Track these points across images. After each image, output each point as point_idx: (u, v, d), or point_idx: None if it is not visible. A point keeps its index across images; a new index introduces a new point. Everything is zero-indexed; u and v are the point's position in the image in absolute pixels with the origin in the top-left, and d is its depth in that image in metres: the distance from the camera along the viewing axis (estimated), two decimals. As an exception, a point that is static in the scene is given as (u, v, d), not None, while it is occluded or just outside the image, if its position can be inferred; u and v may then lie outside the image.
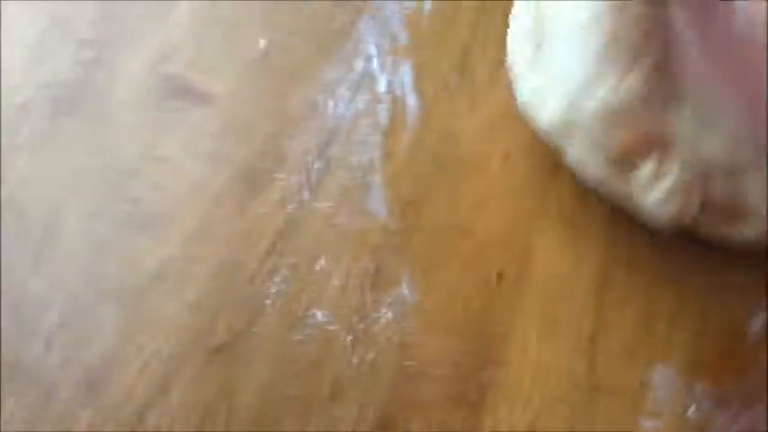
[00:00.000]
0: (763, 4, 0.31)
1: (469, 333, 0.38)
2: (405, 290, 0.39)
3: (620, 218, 0.40)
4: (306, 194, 0.41)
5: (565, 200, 0.41)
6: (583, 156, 0.35)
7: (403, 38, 0.45)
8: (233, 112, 0.43)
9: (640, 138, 0.32)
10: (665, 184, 0.32)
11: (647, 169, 0.32)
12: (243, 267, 0.39)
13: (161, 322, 0.38)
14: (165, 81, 0.44)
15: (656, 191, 0.32)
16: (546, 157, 0.42)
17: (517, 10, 0.40)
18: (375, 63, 0.45)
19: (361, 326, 0.38)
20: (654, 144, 0.32)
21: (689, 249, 0.39)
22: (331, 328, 0.38)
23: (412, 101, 0.43)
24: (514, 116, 0.43)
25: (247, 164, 0.42)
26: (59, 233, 0.40)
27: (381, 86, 0.44)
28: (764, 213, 0.31)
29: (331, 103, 0.43)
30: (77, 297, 0.38)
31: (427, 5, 0.46)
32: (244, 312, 0.38)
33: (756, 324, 0.37)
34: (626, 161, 0.33)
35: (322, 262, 0.39)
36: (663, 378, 0.36)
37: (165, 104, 0.43)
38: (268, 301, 0.38)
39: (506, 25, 0.44)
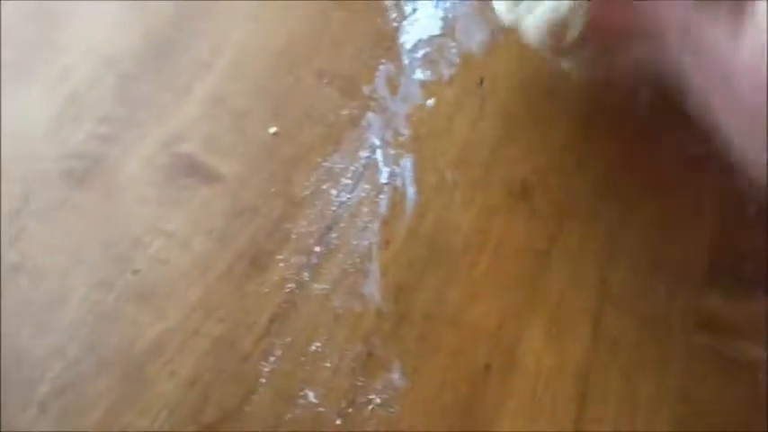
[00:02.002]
0: None
1: (456, 422, 0.39)
2: (395, 375, 0.40)
3: (605, 312, 0.41)
4: (305, 276, 0.43)
5: (552, 293, 0.43)
6: None
7: (405, 131, 0.48)
8: (240, 193, 0.45)
9: None
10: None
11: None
12: (239, 345, 0.40)
13: (154, 397, 0.38)
14: (176, 160, 0.46)
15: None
16: (535, 253, 0.44)
17: None
18: (378, 154, 0.47)
19: (351, 410, 0.39)
20: None
21: (670, 336, 0.41)
22: (321, 410, 0.39)
23: (411, 192, 0.46)
24: (507, 211, 0.45)
25: (251, 243, 0.43)
26: (64, 300, 0.41)
27: (383, 177, 0.46)
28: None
29: (334, 191, 0.45)
30: (76, 365, 0.39)
31: (429, 102, 0.49)
32: (237, 390, 0.39)
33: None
34: None
35: (317, 343, 0.41)
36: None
37: (174, 182, 0.45)
38: (262, 380, 0.39)
39: (504, 123, 0.48)
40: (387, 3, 0.53)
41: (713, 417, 0.38)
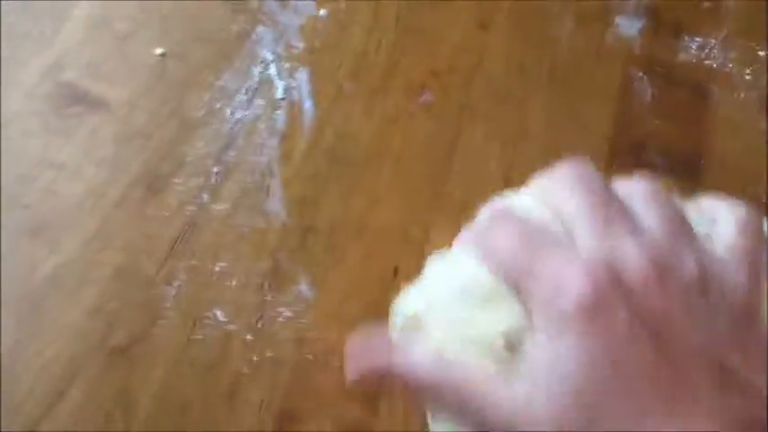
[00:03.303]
0: None
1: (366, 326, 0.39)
2: (303, 287, 0.40)
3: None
4: (205, 197, 0.42)
5: (457, 194, 0.43)
6: None
7: (299, 44, 0.47)
8: (131, 119, 0.43)
9: None
10: None
11: None
12: (142, 271, 0.40)
13: (59, 327, 0.38)
14: (60, 89, 0.44)
15: None
16: (437, 157, 0.44)
17: None
18: (272, 69, 0.46)
19: (261, 324, 0.39)
20: None
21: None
22: (231, 327, 0.39)
23: (308, 105, 0.45)
24: (406, 119, 0.45)
25: (146, 169, 0.42)
26: (-50, 243, 0.39)
27: (279, 92, 0.45)
28: None
29: (229, 109, 0.44)
30: (-30, 306, 0.38)
31: (323, 12, 0.48)
32: (143, 315, 0.38)
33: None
34: None
35: (221, 263, 0.40)
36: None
37: (60, 112, 0.43)
38: (167, 304, 0.39)
39: (399, 29, 0.47)
40: None
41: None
